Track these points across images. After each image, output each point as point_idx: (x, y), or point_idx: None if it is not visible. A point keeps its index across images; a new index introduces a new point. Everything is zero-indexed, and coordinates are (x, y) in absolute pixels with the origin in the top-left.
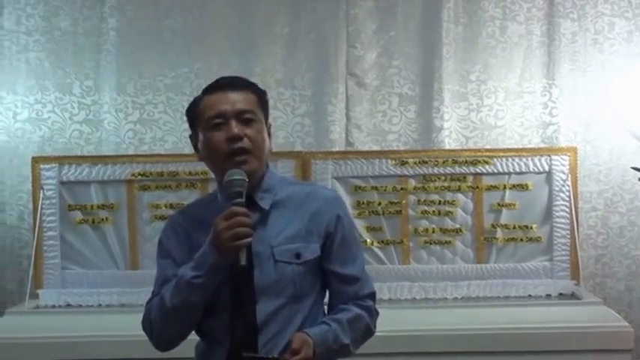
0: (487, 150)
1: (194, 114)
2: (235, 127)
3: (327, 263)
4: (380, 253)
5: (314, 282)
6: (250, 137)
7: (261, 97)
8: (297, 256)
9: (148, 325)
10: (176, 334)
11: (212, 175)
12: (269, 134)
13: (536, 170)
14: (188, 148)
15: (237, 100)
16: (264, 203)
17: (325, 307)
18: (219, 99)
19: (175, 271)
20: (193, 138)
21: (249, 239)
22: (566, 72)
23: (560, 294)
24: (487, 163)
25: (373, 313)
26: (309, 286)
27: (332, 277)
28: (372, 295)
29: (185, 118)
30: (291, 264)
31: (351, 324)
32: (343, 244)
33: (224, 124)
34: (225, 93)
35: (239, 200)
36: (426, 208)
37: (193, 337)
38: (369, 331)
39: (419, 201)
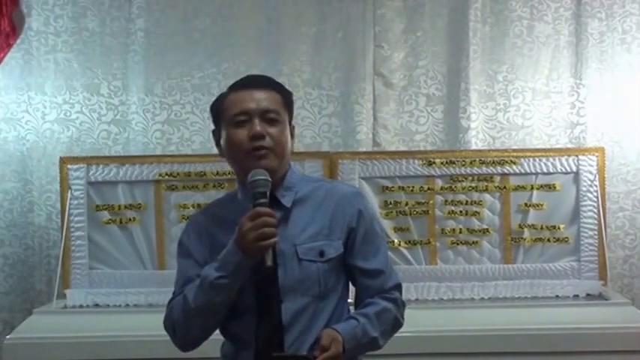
0: (514, 150)
1: (218, 110)
2: (258, 126)
3: (351, 259)
4: (407, 254)
5: (338, 279)
6: (273, 136)
7: (286, 97)
8: (321, 254)
9: (170, 325)
10: (199, 334)
11: None
12: (292, 135)
13: (564, 170)
14: (216, 149)
15: (262, 98)
16: (286, 201)
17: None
18: (245, 97)
19: (197, 271)
20: (216, 134)
21: (275, 239)
22: (594, 72)
23: (588, 295)
24: (514, 163)
25: (400, 305)
26: (333, 284)
27: (356, 272)
28: (398, 287)
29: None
30: (315, 262)
31: (379, 317)
32: (366, 239)
33: (247, 121)
34: (251, 91)
35: (263, 200)
36: (453, 208)
37: (217, 337)
38: (397, 323)
39: (446, 201)
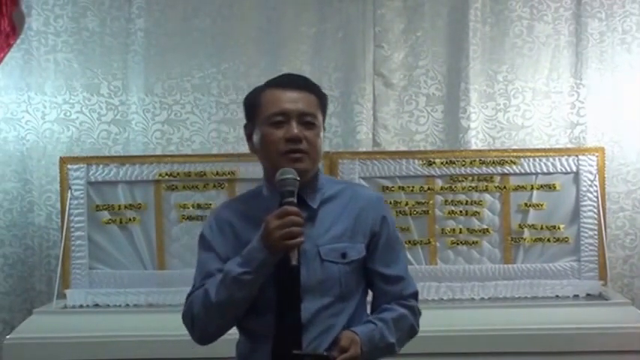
0: (514, 150)
1: (254, 105)
2: (295, 128)
3: (372, 263)
4: (407, 254)
5: (359, 282)
6: (309, 140)
7: (322, 100)
8: (343, 255)
9: (189, 318)
10: (219, 328)
11: (239, 176)
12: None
13: (564, 170)
14: (215, 149)
15: (300, 100)
16: (313, 202)
17: (368, 306)
18: (283, 96)
19: (218, 265)
20: (248, 128)
21: (302, 239)
22: (594, 72)
23: (588, 295)
24: (514, 163)
25: (416, 313)
26: (354, 286)
27: (376, 277)
28: (415, 295)
29: (212, 118)
30: (337, 263)
31: (397, 323)
32: (387, 245)
33: (284, 122)
34: (289, 91)
35: (291, 199)
36: (453, 208)
37: (230, 337)
38: (413, 331)
39: (446, 201)
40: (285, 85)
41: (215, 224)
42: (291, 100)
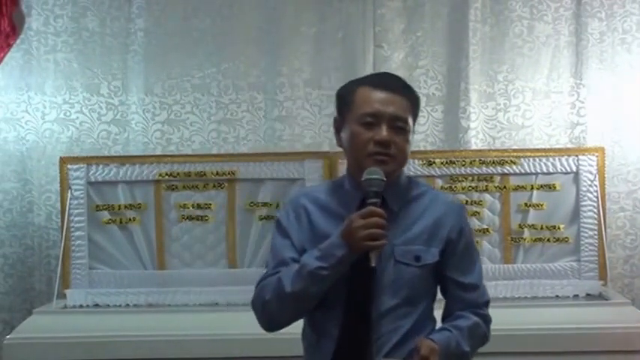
0: (514, 150)
1: (347, 100)
2: (385, 132)
3: (447, 270)
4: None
5: (429, 286)
6: (398, 145)
7: (415, 104)
8: (417, 259)
9: (259, 304)
10: (288, 318)
11: (239, 176)
12: None
13: (564, 170)
14: (215, 149)
15: (394, 103)
16: (394, 204)
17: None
18: (378, 97)
19: (292, 254)
20: (337, 121)
21: (385, 241)
22: (594, 72)
23: (588, 295)
24: (514, 163)
25: (488, 321)
26: (424, 290)
27: (451, 284)
28: (488, 304)
29: (212, 118)
30: (410, 266)
31: (471, 332)
32: (465, 253)
33: (375, 124)
34: (385, 93)
35: (375, 200)
36: None
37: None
38: (485, 339)
39: None
40: (380, 85)
41: (292, 212)
42: (385, 102)
